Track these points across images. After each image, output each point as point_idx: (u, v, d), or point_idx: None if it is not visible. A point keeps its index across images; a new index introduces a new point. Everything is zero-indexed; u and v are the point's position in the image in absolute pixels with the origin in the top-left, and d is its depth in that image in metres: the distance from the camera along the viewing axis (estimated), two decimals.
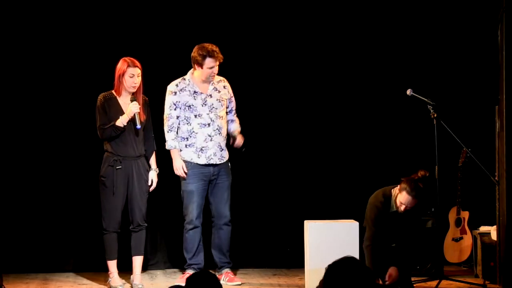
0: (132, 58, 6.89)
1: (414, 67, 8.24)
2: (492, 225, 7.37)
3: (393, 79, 8.19)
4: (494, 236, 7.25)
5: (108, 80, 7.03)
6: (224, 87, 7.28)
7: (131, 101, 6.84)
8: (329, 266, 3.81)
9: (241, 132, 7.40)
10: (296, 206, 8.10)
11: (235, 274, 7.40)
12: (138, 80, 6.87)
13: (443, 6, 8.28)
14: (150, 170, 7.01)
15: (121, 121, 6.83)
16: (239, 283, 7.24)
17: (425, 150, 7.61)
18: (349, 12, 8.25)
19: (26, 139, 7.86)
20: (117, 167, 6.84)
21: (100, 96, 6.94)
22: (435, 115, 7.02)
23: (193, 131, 7.16)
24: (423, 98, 7.09)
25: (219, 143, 7.18)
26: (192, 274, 4.05)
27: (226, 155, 7.26)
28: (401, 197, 6.49)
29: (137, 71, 6.86)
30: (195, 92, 7.16)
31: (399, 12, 8.27)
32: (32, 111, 7.87)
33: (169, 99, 7.18)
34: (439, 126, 7.02)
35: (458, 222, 7.79)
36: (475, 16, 8.18)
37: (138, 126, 6.84)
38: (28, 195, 7.84)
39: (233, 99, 7.35)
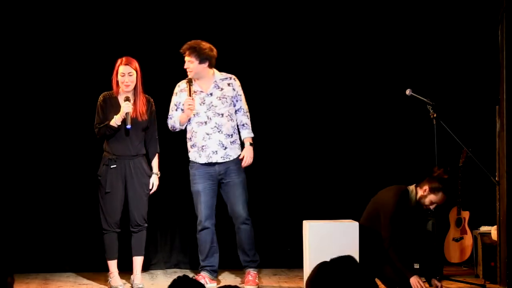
0: (128, 57, 6.86)
1: (414, 67, 8.24)
2: (492, 225, 7.37)
3: (393, 79, 8.19)
4: (494, 236, 7.25)
5: (108, 80, 7.03)
6: (229, 84, 7.14)
7: (124, 100, 6.82)
8: (322, 264, 3.67)
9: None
10: (296, 206, 8.10)
11: (257, 275, 7.24)
12: (129, 79, 6.81)
13: (443, 6, 8.28)
14: (151, 174, 6.98)
15: (114, 121, 6.81)
16: (252, 287, 7.12)
17: (425, 150, 7.60)
18: (349, 12, 8.24)
19: (26, 139, 7.86)
20: (111, 166, 6.83)
21: (101, 96, 6.93)
22: (435, 115, 7.02)
23: (193, 131, 7.12)
24: (422, 98, 7.08)
25: (219, 140, 7.07)
26: (173, 280, 3.74)
27: (233, 153, 7.10)
28: (436, 197, 6.43)
29: (128, 69, 6.80)
30: (194, 91, 7.14)
31: (399, 12, 8.27)
32: (31, 111, 7.87)
33: (172, 100, 7.18)
34: (439, 126, 7.01)
35: (459, 222, 7.79)
36: (475, 16, 8.18)
37: (129, 126, 6.79)
38: (28, 195, 7.84)
39: (241, 97, 7.16)
